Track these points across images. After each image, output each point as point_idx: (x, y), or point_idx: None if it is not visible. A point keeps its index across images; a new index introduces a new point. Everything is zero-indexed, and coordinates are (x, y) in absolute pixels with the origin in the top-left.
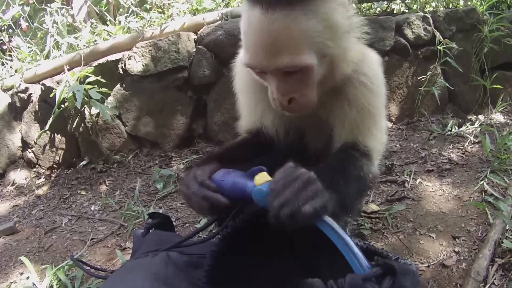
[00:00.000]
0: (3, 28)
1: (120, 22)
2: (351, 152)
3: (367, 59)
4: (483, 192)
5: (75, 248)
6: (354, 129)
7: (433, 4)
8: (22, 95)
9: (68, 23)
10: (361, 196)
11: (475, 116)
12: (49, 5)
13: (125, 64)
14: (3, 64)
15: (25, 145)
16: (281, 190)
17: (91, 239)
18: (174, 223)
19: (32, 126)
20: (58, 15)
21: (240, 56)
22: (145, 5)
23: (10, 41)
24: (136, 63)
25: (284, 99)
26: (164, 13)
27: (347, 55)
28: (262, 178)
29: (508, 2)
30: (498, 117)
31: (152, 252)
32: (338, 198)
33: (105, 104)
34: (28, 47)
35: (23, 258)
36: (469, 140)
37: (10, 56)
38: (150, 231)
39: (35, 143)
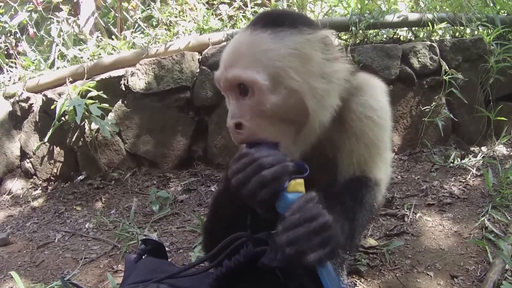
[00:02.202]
0: (9, 34)
1: (125, 37)
2: (366, 182)
3: (371, 89)
4: (483, 229)
5: (66, 266)
6: (362, 164)
7: (440, 32)
8: (23, 104)
9: (74, 33)
10: (367, 225)
11: (478, 147)
12: (56, 13)
13: (127, 80)
14: (7, 70)
15: (24, 154)
16: (295, 224)
17: (84, 258)
18: (168, 248)
19: (32, 136)
20: (66, 24)
21: None
22: (152, 19)
23: (16, 45)
24: (138, 81)
25: (230, 121)
26: (170, 31)
27: (324, 100)
28: (296, 186)
29: None
30: (501, 149)
31: (143, 283)
32: (349, 230)
33: (105, 120)
34: (34, 52)
35: (13, 274)
36: (471, 173)
37: (15, 63)
38: (143, 257)
39: (34, 153)
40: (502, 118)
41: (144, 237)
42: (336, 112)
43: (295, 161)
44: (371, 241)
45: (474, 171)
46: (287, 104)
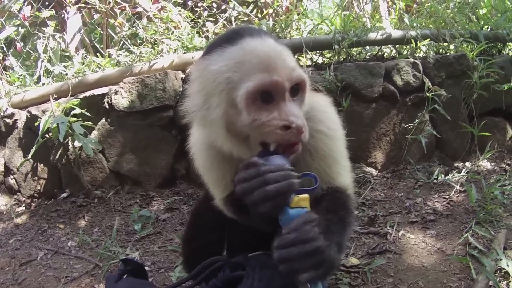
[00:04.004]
0: None
1: (110, 54)
2: (345, 193)
3: (318, 104)
4: (467, 245)
5: (48, 284)
6: (324, 177)
7: (424, 48)
8: (7, 120)
9: (61, 48)
10: None
11: (462, 163)
12: (44, 28)
13: (111, 99)
14: None
15: (8, 171)
16: (289, 244)
17: (66, 276)
18: (149, 267)
19: (16, 153)
20: (53, 40)
21: (194, 136)
22: (138, 37)
23: (4, 59)
24: (122, 99)
25: (299, 120)
26: (154, 49)
27: None
28: (299, 201)
29: (499, 47)
30: (485, 164)
31: None
32: (339, 245)
33: (88, 138)
34: (20, 68)
35: None
36: (455, 189)
37: (0, 78)
38: (123, 277)
39: (18, 170)
40: (486, 134)
41: (125, 257)
42: None
43: (305, 173)
44: (353, 260)
45: (458, 187)
46: None
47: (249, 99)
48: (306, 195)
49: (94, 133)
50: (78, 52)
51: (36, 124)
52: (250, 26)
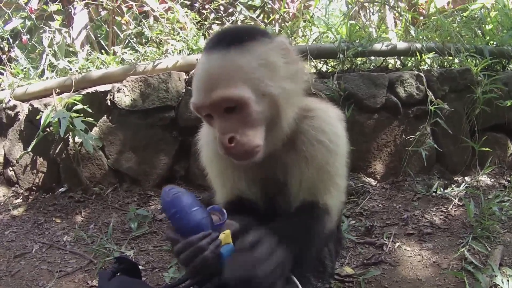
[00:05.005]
0: (1, 39)
1: (115, 52)
2: (320, 217)
3: (326, 114)
4: (463, 260)
5: (42, 278)
6: (312, 189)
7: (428, 61)
8: (9, 112)
9: (66, 43)
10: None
11: (462, 177)
12: (50, 22)
13: (114, 96)
14: None
15: (7, 162)
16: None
17: (59, 271)
18: (143, 267)
19: (16, 145)
20: (58, 34)
21: (203, 127)
22: (143, 35)
23: (9, 51)
24: (124, 97)
25: (224, 137)
26: (159, 49)
27: (292, 99)
28: (226, 238)
29: (503, 63)
30: (485, 179)
31: None
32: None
33: (88, 134)
34: (25, 60)
35: None
36: (453, 203)
37: (4, 69)
38: (116, 275)
39: (17, 162)
40: (487, 149)
41: (119, 255)
42: (287, 135)
43: (211, 207)
44: (348, 270)
45: (456, 201)
46: (267, 108)
47: (196, 112)
48: (228, 231)
49: (95, 130)
50: (83, 48)
51: (37, 117)
52: (234, 29)
